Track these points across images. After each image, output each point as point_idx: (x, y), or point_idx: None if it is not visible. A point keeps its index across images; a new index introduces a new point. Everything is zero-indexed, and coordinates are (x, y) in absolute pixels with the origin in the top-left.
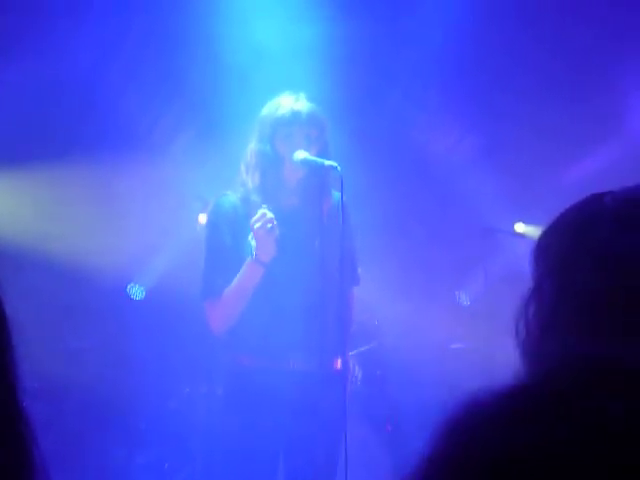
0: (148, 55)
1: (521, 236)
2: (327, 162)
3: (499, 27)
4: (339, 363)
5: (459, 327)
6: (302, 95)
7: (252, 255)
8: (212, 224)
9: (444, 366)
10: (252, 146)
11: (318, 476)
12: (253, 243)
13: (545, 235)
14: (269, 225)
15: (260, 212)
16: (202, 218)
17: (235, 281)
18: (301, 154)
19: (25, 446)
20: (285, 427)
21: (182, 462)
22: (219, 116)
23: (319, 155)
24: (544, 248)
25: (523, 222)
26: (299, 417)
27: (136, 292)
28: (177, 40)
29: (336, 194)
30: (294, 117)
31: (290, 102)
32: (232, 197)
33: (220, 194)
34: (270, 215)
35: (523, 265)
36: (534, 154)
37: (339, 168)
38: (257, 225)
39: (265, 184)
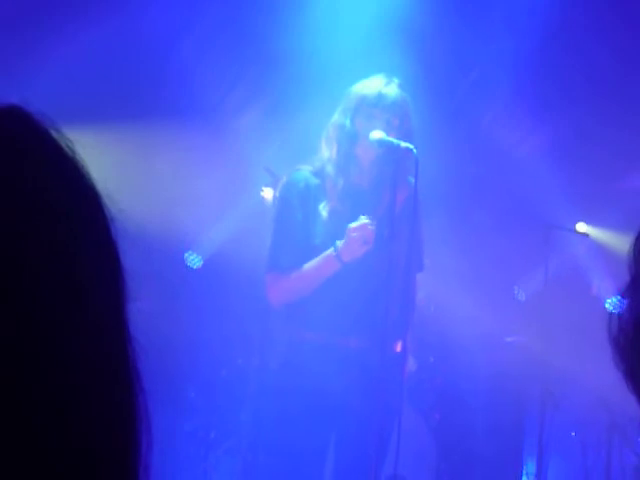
0: (226, 25)
1: (582, 236)
2: (403, 144)
3: (572, 29)
4: (399, 346)
5: (515, 321)
6: (395, 81)
7: (335, 250)
8: (284, 199)
9: (496, 358)
10: (334, 119)
11: (370, 455)
12: (324, 214)
13: None
14: (365, 237)
15: (362, 221)
16: (267, 191)
17: (310, 268)
18: (377, 134)
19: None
20: (341, 403)
21: (228, 432)
22: (290, 93)
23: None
24: None
25: (585, 222)
26: (356, 394)
27: (193, 260)
28: (256, 12)
29: (412, 181)
30: (379, 99)
31: (380, 85)
32: (305, 172)
33: (293, 169)
34: (371, 228)
35: (581, 264)
36: (600, 156)
37: (415, 151)
38: (354, 234)
39: (340, 158)
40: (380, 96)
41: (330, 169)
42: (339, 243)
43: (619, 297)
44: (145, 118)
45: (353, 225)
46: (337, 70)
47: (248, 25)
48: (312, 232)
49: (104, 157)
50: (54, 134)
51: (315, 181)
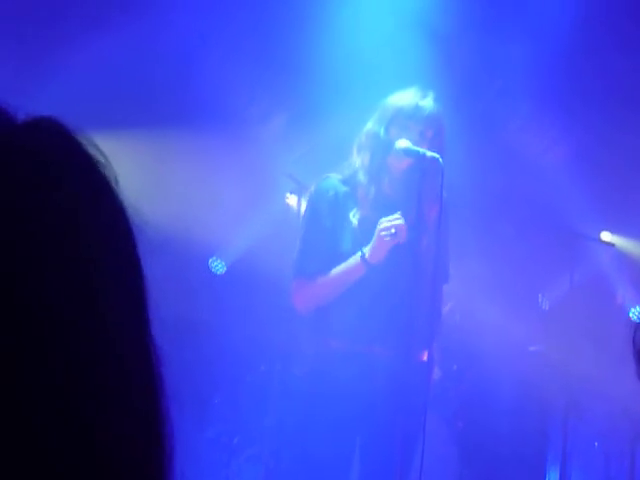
0: (251, 32)
1: (607, 245)
2: (429, 153)
3: (595, 38)
4: (425, 355)
5: (539, 330)
6: (431, 94)
7: (362, 253)
8: (312, 206)
9: (520, 367)
10: (368, 127)
11: (395, 462)
12: (354, 221)
13: None
14: (393, 230)
15: (395, 216)
16: (291, 198)
17: (337, 272)
18: (403, 142)
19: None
20: (366, 410)
21: (252, 438)
22: (315, 100)
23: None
24: None
25: (610, 231)
26: (381, 401)
27: (217, 266)
28: (281, 20)
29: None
30: (415, 111)
31: (417, 97)
32: (333, 180)
33: (323, 176)
34: (401, 222)
35: (605, 274)
36: (624, 166)
37: (441, 160)
38: (384, 225)
39: (372, 165)
40: (416, 108)
41: (362, 177)
42: (366, 249)
43: None
44: (170, 125)
45: (383, 224)
46: (361, 78)
47: (273, 33)
48: (340, 239)
49: (129, 164)
50: (87, 147)
51: (344, 189)
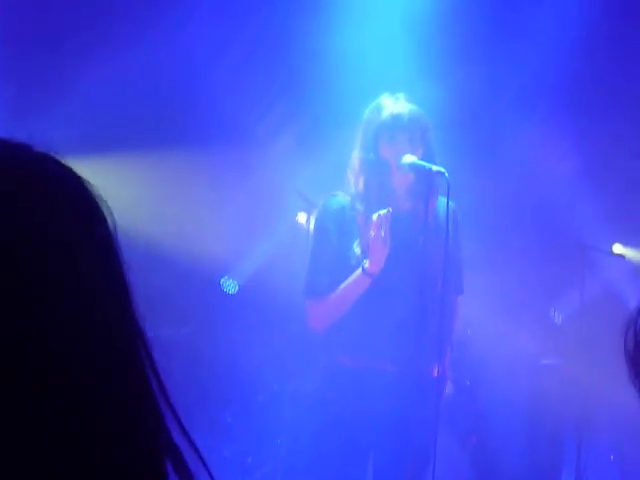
0: (259, 52)
1: (619, 257)
2: (435, 167)
3: (606, 50)
4: (436, 370)
5: (551, 343)
6: (401, 96)
7: (362, 266)
8: (319, 224)
9: (533, 381)
10: (356, 153)
11: (407, 479)
12: (357, 250)
13: None
14: (382, 233)
15: (378, 215)
16: (301, 216)
17: (342, 288)
18: (409, 158)
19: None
20: (378, 428)
21: (265, 457)
22: (323, 117)
23: (425, 157)
24: None
25: (621, 244)
26: (393, 419)
27: (229, 286)
28: (289, 39)
29: (443, 199)
30: (395, 121)
31: (390, 105)
32: (341, 198)
33: (330, 194)
34: (386, 212)
35: (617, 286)
36: (636, 177)
37: (447, 174)
38: (372, 234)
39: (369, 192)
40: (395, 117)
41: (359, 205)
42: (366, 261)
43: (635, 314)
44: (179, 145)
45: (373, 224)
46: (371, 96)
47: (281, 49)
48: (349, 256)
49: (139, 185)
50: (81, 183)
51: (350, 213)
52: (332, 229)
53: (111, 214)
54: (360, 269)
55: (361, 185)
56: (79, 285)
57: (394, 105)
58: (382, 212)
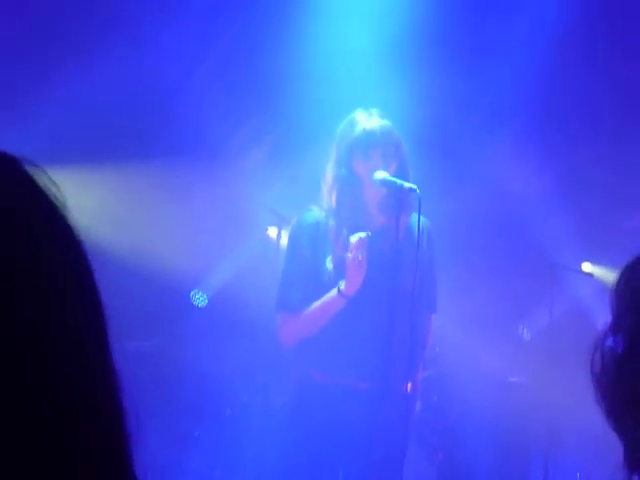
0: (232, 65)
1: (587, 275)
2: (406, 184)
3: (576, 68)
4: (409, 387)
5: (519, 361)
6: (374, 112)
7: (338, 287)
8: (294, 237)
9: (500, 398)
10: (330, 168)
11: None
12: (330, 266)
13: (626, 273)
14: (360, 256)
15: (356, 238)
16: (272, 231)
17: (315, 307)
18: (380, 174)
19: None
20: (347, 443)
21: (233, 470)
22: (295, 132)
23: (398, 172)
24: (625, 285)
25: (590, 262)
26: (362, 435)
27: (199, 299)
28: (262, 52)
29: (416, 216)
30: (368, 137)
31: (363, 121)
32: (316, 213)
33: (305, 209)
34: (365, 236)
35: (586, 304)
36: (608, 196)
37: (418, 191)
38: (350, 256)
39: (341, 208)
40: (368, 134)
41: (331, 221)
42: (342, 281)
43: (602, 336)
44: (149, 157)
45: (350, 247)
46: (345, 111)
47: (253, 65)
48: (322, 270)
49: (108, 196)
50: (39, 180)
51: (324, 228)
52: (306, 243)
53: (76, 224)
54: (335, 290)
55: (334, 200)
56: (50, 296)
57: (367, 121)
58: (361, 235)
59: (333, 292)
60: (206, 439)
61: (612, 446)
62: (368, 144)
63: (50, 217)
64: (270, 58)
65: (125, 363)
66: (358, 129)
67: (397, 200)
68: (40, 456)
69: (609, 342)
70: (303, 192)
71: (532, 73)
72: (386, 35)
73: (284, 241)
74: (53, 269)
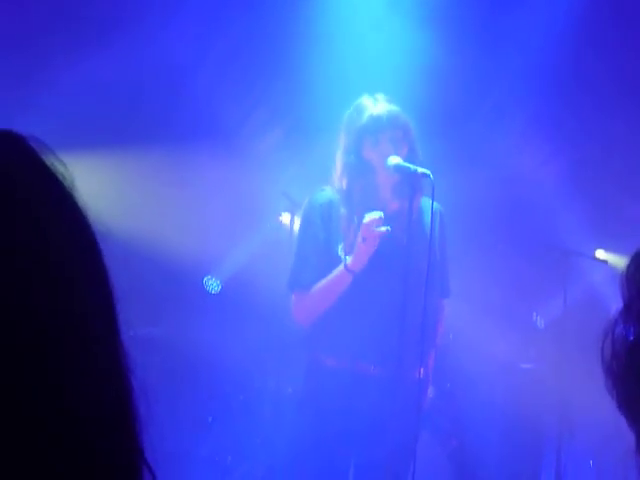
0: (245, 50)
1: (601, 262)
2: (420, 169)
3: (589, 55)
4: (421, 372)
5: (532, 348)
6: (380, 96)
7: (344, 262)
8: (306, 217)
9: (514, 385)
10: (338, 157)
11: None
12: (342, 254)
13: (637, 259)
14: (375, 232)
15: (371, 217)
16: (285, 217)
17: (324, 283)
18: (394, 159)
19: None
20: (359, 429)
21: (245, 456)
22: (309, 117)
23: (409, 155)
24: (635, 271)
25: (604, 249)
26: (374, 421)
27: (212, 285)
28: (275, 37)
29: (428, 201)
30: (376, 123)
31: (370, 107)
32: (329, 192)
33: (318, 189)
34: (376, 228)
35: (600, 292)
36: (621, 183)
37: (432, 176)
38: (362, 233)
39: (352, 195)
40: (375, 119)
41: (343, 210)
42: (349, 257)
43: (612, 322)
44: (162, 142)
45: (365, 223)
46: (357, 95)
47: (267, 47)
48: (333, 256)
49: (123, 182)
50: (46, 160)
51: (337, 211)
52: (319, 223)
53: (85, 204)
54: (342, 265)
55: (345, 188)
56: (62, 288)
57: (374, 107)
58: (375, 215)
59: (339, 268)
60: (219, 425)
61: (624, 434)
62: (377, 129)
63: (58, 197)
64: (283, 42)
65: (137, 350)
66: (365, 115)
67: (410, 185)
68: (40, 456)
69: (620, 329)
70: (316, 177)
71: (547, 57)
72: (397, 22)
73: (297, 227)
74: (61, 254)
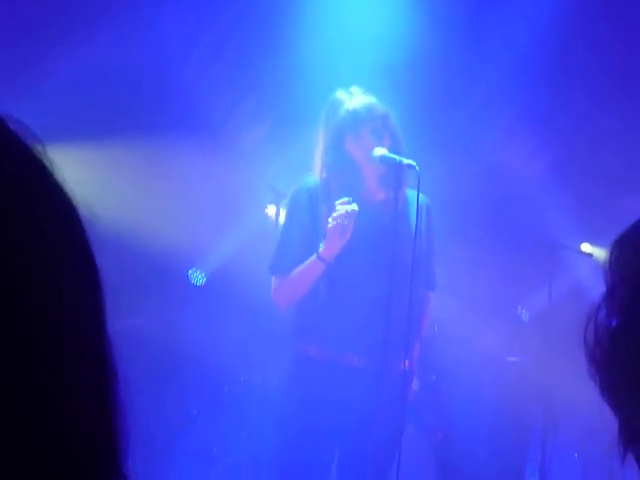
0: (231, 43)
1: (587, 256)
2: (405, 160)
3: (578, 48)
4: (406, 364)
5: (517, 341)
6: (355, 89)
7: (317, 251)
8: (294, 199)
9: (499, 378)
10: (318, 154)
11: (372, 473)
12: (321, 247)
13: (621, 243)
14: (346, 222)
15: (342, 206)
16: (270, 209)
17: (298, 271)
18: (379, 150)
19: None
20: (343, 421)
21: (230, 448)
22: (294, 110)
23: (392, 146)
24: (619, 256)
25: (590, 243)
26: (358, 413)
27: (197, 277)
28: (261, 30)
29: (413, 192)
30: (354, 117)
31: (346, 101)
32: (315, 178)
33: (306, 175)
34: (352, 209)
35: (585, 285)
36: (607, 177)
37: (417, 168)
38: (334, 222)
39: (332, 193)
40: (352, 113)
41: (323, 208)
42: (321, 245)
43: (595, 308)
44: (148, 134)
45: (336, 213)
46: (343, 87)
47: (253, 40)
48: (318, 235)
49: (105, 173)
50: (36, 150)
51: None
52: (305, 205)
53: (75, 199)
54: (315, 254)
55: (324, 185)
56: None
57: (350, 101)
58: (349, 207)
59: (313, 256)
60: (204, 417)
61: (608, 424)
62: (356, 123)
63: (48, 187)
64: (270, 35)
65: (122, 341)
66: (342, 110)
67: (396, 177)
68: (40, 456)
69: (602, 314)
70: (302, 170)
71: (533, 53)
72: (384, 15)
73: (282, 219)
74: (54, 250)
